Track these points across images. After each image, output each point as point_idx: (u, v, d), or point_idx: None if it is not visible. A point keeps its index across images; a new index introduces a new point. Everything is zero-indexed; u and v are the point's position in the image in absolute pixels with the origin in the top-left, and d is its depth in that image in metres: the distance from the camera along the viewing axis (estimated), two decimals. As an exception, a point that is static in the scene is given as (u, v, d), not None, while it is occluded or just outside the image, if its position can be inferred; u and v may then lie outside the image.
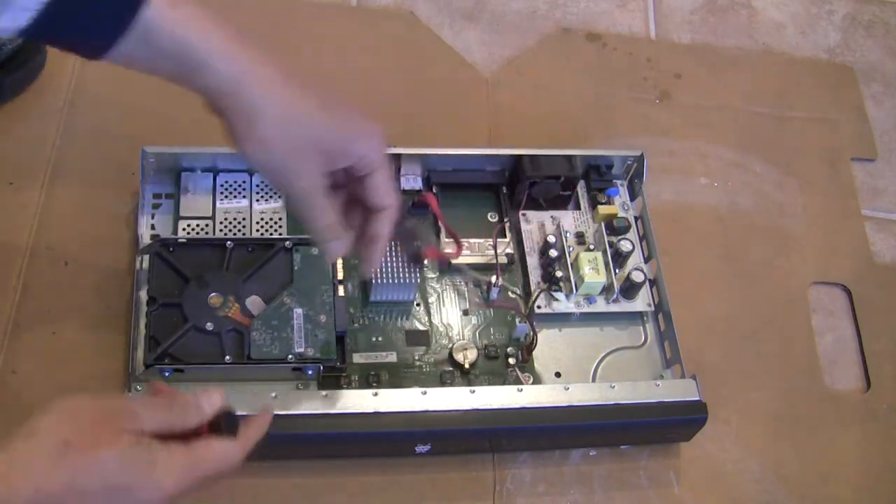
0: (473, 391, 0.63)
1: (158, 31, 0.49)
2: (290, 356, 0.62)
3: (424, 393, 0.62)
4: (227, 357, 0.62)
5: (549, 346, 0.70)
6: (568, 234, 0.73)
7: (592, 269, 0.69)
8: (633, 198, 0.76)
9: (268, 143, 0.52)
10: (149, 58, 0.49)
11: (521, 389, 0.64)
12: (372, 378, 0.66)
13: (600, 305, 0.71)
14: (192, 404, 0.48)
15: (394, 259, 0.68)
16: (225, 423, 0.48)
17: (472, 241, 0.73)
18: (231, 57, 0.53)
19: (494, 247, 0.71)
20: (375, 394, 0.62)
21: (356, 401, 0.61)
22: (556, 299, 0.71)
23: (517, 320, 0.69)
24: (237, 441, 0.49)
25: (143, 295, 0.64)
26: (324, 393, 0.61)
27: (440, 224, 0.71)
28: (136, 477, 0.45)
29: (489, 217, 0.75)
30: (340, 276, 0.66)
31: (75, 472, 0.43)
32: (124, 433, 0.45)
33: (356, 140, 0.55)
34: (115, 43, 0.48)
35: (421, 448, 0.64)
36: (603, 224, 0.74)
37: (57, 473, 0.43)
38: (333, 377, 0.65)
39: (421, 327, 0.69)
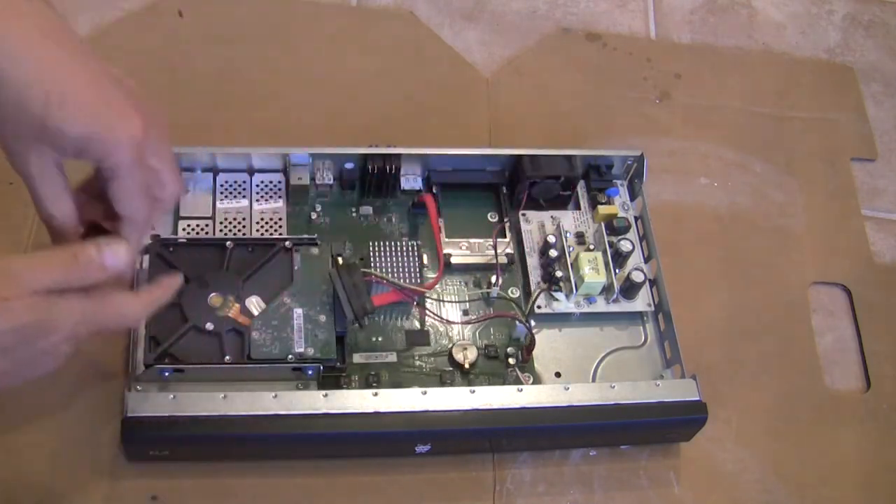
0: (473, 391, 0.63)
1: None
2: (290, 356, 0.62)
3: (424, 393, 0.62)
4: (227, 357, 0.62)
5: (549, 346, 0.70)
6: (568, 234, 0.73)
7: (592, 269, 0.69)
8: (633, 198, 0.76)
9: None
10: None
11: (521, 389, 0.64)
12: (372, 378, 0.66)
13: (600, 305, 0.71)
14: (94, 261, 0.47)
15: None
16: None
17: (472, 241, 0.73)
18: None
19: (494, 247, 0.71)
20: (375, 394, 0.62)
21: (356, 401, 0.61)
22: (556, 299, 0.71)
23: (517, 321, 0.69)
24: (139, 296, 0.48)
25: (143, 295, 0.64)
26: (324, 393, 0.61)
27: (434, 228, 0.70)
28: (34, 330, 0.44)
29: (489, 217, 0.75)
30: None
31: None
32: (18, 296, 0.44)
33: (91, 141, 0.47)
34: None
35: (421, 448, 0.64)
36: (603, 224, 0.74)
37: None
38: (333, 377, 0.65)
39: (421, 327, 0.69)
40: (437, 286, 0.70)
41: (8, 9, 0.45)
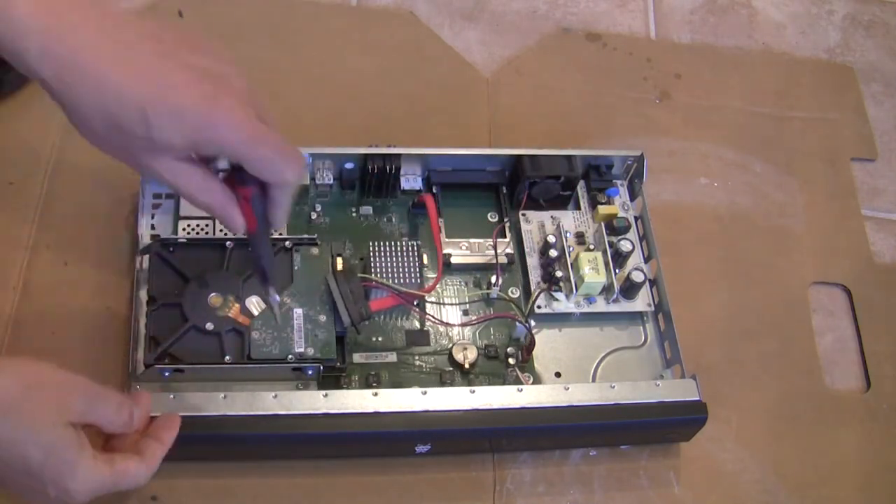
0: (473, 391, 0.63)
1: None
2: (289, 356, 0.62)
3: (424, 393, 0.62)
4: (227, 357, 0.62)
5: (549, 346, 0.70)
6: (568, 234, 0.73)
7: (592, 269, 0.69)
8: (633, 198, 0.76)
9: (100, 141, 0.47)
10: None
11: (521, 389, 0.64)
12: (372, 378, 0.66)
13: (600, 305, 0.71)
14: (126, 416, 0.49)
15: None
16: None
17: (472, 241, 0.73)
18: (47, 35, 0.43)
19: (494, 247, 0.71)
20: (375, 394, 0.62)
21: (356, 401, 0.61)
22: (556, 299, 0.71)
23: (517, 321, 0.69)
24: (146, 461, 0.50)
25: (143, 295, 0.64)
26: (324, 393, 0.61)
27: (433, 228, 0.70)
28: (54, 474, 0.45)
29: (489, 217, 0.75)
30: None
31: (5, 436, 0.43)
32: (68, 421, 0.45)
33: (201, 143, 0.46)
34: None
35: (421, 448, 0.64)
36: (603, 224, 0.74)
37: None
38: (333, 377, 0.65)
39: (421, 327, 0.69)
40: (437, 287, 0.70)
41: (74, 13, 0.44)
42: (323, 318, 0.64)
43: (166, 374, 0.61)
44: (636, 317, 0.72)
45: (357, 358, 0.67)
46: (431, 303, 0.70)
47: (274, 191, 0.51)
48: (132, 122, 0.44)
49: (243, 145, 0.47)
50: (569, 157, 0.73)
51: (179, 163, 0.48)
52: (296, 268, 0.66)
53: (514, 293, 0.71)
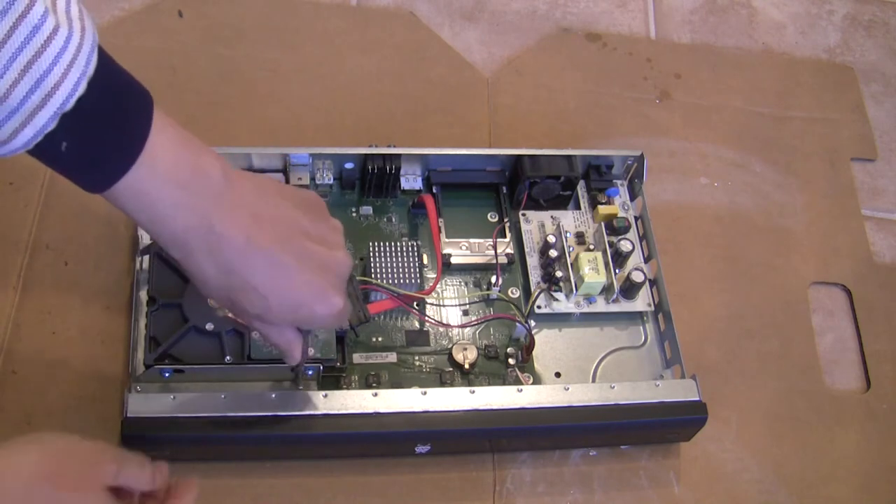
0: (473, 391, 0.63)
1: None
2: (290, 356, 0.62)
3: (424, 393, 0.62)
4: (228, 357, 0.61)
5: (549, 346, 0.70)
6: (568, 234, 0.73)
7: (592, 269, 0.69)
8: (633, 198, 0.76)
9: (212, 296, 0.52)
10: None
11: (521, 389, 0.64)
12: (372, 378, 0.66)
13: (600, 305, 0.71)
14: (150, 472, 0.50)
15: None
16: None
17: (472, 241, 0.73)
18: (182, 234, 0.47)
19: (494, 247, 0.71)
20: (375, 394, 0.62)
21: (356, 401, 0.61)
22: (556, 299, 0.71)
23: (516, 321, 0.69)
24: None
25: (143, 295, 0.64)
26: (324, 393, 0.61)
27: (433, 229, 0.70)
28: None
29: (489, 217, 0.75)
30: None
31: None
32: (105, 484, 0.47)
33: (300, 322, 0.54)
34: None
35: (421, 448, 0.64)
36: (603, 224, 0.74)
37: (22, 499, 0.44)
38: (333, 377, 0.65)
39: (421, 327, 0.69)
40: (436, 288, 0.70)
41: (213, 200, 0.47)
42: (323, 318, 0.64)
43: (166, 374, 0.61)
44: (636, 317, 0.72)
45: (357, 358, 0.67)
46: (431, 303, 0.70)
47: None
48: (252, 305, 0.50)
49: (328, 325, 0.59)
50: (569, 157, 0.73)
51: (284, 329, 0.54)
52: (296, 268, 0.66)
53: (514, 293, 0.71)
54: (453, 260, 0.71)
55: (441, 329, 0.69)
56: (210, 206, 0.47)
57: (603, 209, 0.74)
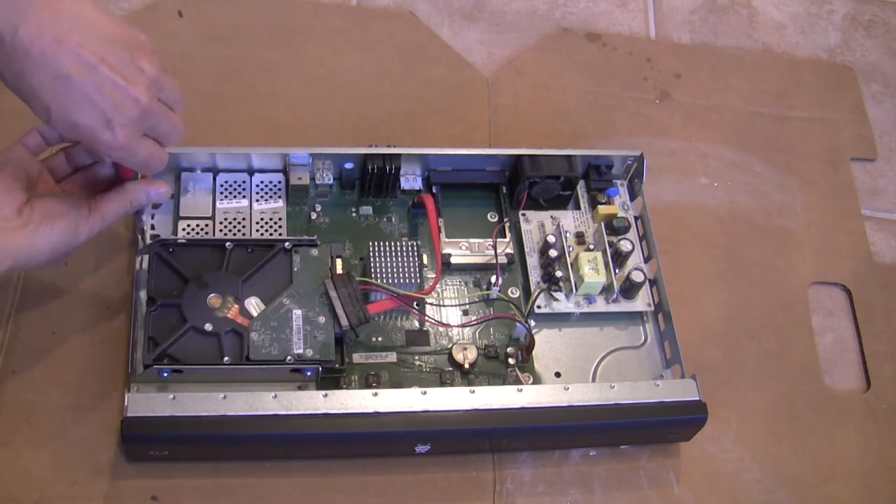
0: (473, 391, 0.63)
1: None
2: (288, 357, 0.62)
3: (424, 393, 0.62)
4: (226, 358, 0.61)
5: (549, 346, 0.70)
6: (568, 234, 0.73)
7: (592, 269, 0.69)
8: (632, 198, 0.76)
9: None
10: None
11: (521, 389, 0.64)
12: (372, 378, 0.66)
13: (600, 305, 0.71)
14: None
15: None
16: None
17: (471, 241, 0.73)
18: None
19: (494, 247, 0.71)
20: (375, 394, 0.62)
21: (356, 401, 0.61)
22: (556, 299, 0.71)
23: (516, 321, 0.69)
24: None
25: (143, 295, 0.64)
26: (323, 393, 0.61)
27: (433, 229, 0.70)
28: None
29: (489, 217, 0.75)
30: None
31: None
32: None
33: (93, 146, 0.57)
34: None
35: (421, 448, 0.64)
36: (603, 224, 0.74)
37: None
38: (333, 378, 0.65)
39: (421, 327, 0.69)
40: (436, 288, 0.70)
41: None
42: (322, 319, 0.64)
43: (165, 374, 0.61)
44: (636, 317, 0.72)
45: (357, 358, 0.67)
46: (431, 303, 0.70)
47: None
48: (38, 112, 0.54)
49: (114, 157, 0.59)
50: (569, 157, 0.73)
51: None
52: (295, 269, 0.66)
53: (514, 293, 0.71)
54: (453, 260, 0.71)
55: (441, 329, 0.69)
56: (17, 12, 0.50)
57: (603, 209, 0.74)
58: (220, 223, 0.70)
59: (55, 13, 0.51)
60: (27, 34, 0.50)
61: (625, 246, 0.72)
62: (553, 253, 0.71)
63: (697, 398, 0.66)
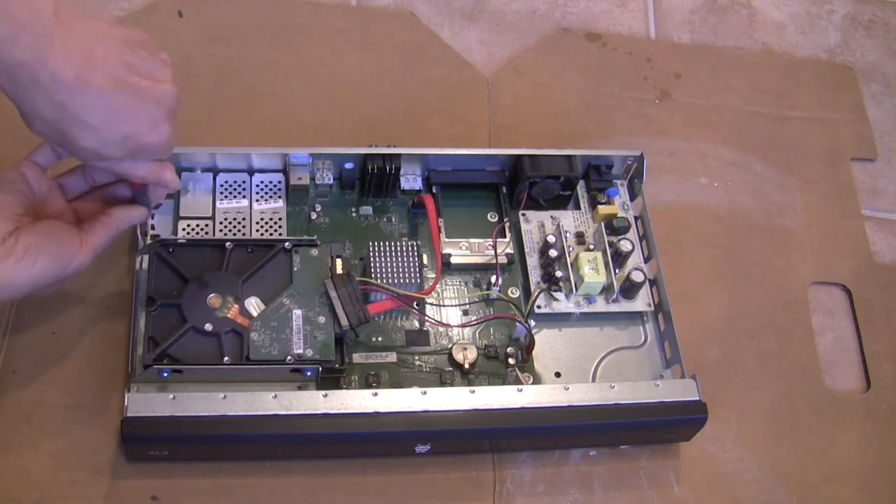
0: (473, 391, 0.63)
1: None
2: (288, 357, 0.62)
3: (424, 393, 0.62)
4: (226, 358, 0.61)
5: (549, 346, 0.70)
6: (568, 234, 0.73)
7: (592, 269, 0.69)
8: (632, 198, 0.76)
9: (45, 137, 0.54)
10: None
11: (521, 389, 0.64)
12: (372, 378, 0.66)
13: (600, 305, 0.71)
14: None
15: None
16: None
17: (471, 241, 0.73)
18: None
19: (494, 247, 0.71)
20: (375, 394, 0.62)
21: (356, 401, 0.61)
22: (556, 299, 0.71)
23: (516, 321, 0.69)
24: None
25: (143, 295, 0.64)
26: (323, 393, 0.61)
27: (433, 229, 0.70)
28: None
29: (489, 217, 0.75)
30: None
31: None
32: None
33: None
34: None
35: (421, 448, 0.64)
36: (603, 224, 0.74)
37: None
38: (333, 378, 0.65)
39: (421, 327, 0.69)
40: (436, 288, 0.70)
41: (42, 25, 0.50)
42: (322, 319, 0.64)
43: (165, 374, 0.61)
44: (636, 317, 0.72)
45: (357, 358, 0.67)
46: (431, 303, 0.70)
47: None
48: (85, 138, 0.53)
49: (160, 156, 0.59)
50: (569, 157, 0.73)
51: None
52: (295, 269, 0.66)
53: (514, 293, 0.71)
54: (453, 260, 0.71)
55: (441, 329, 0.69)
56: (43, 44, 0.49)
57: (603, 209, 0.74)
58: (220, 223, 0.70)
59: (75, 35, 0.51)
60: (58, 62, 0.50)
61: (625, 246, 0.72)
62: (553, 253, 0.71)
63: (697, 398, 0.66)
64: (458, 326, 0.69)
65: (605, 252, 0.71)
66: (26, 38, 0.48)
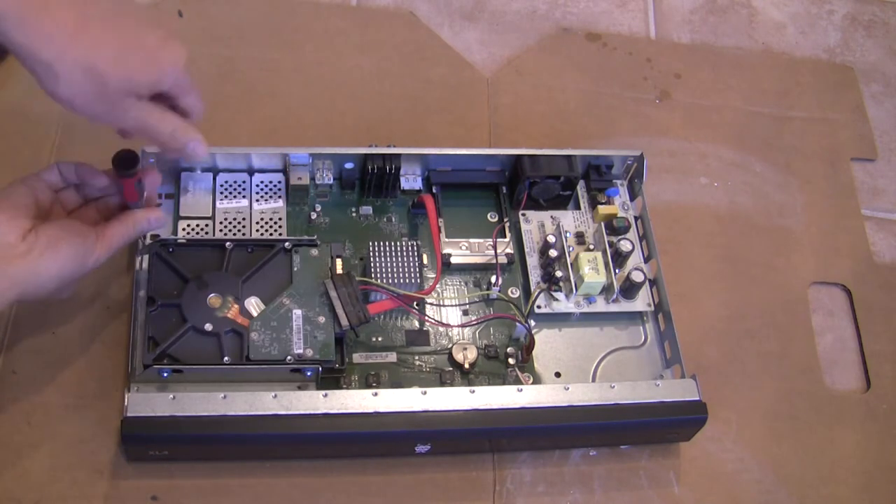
0: (473, 391, 0.63)
1: None
2: (288, 357, 0.62)
3: (424, 393, 0.62)
4: (226, 358, 0.62)
5: (549, 346, 0.70)
6: (568, 234, 0.73)
7: (592, 269, 0.69)
8: (632, 198, 0.76)
9: (75, 103, 0.54)
10: None
11: (521, 389, 0.64)
12: (372, 378, 0.66)
13: (600, 305, 0.71)
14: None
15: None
16: None
17: (471, 241, 0.73)
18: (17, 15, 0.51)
19: (494, 247, 0.71)
20: (375, 394, 0.62)
21: (356, 401, 0.61)
22: (556, 299, 0.71)
23: (516, 321, 0.69)
24: None
25: (143, 295, 0.64)
26: (323, 393, 0.61)
27: (433, 229, 0.70)
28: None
29: (489, 217, 0.75)
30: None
31: None
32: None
33: (160, 78, 0.58)
34: None
35: (421, 448, 0.64)
36: (603, 224, 0.74)
37: None
38: (333, 378, 0.65)
39: (421, 327, 0.69)
40: (436, 288, 0.70)
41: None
42: (322, 319, 0.64)
43: (165, 374, 0.61)
44: (636, 317, 0.72)
45: (357, 358, 0.67)
46: (431, 303, 0.70)
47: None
48: (112, 71, 0.54)
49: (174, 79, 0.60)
50: (569, 157, 0.73)
51: (141, 101, 0.58)
52: (295, 269, 0.66)
53: (514, 293, 0.71)
54: (453, 260, 0.71)
55: (441, 329, 0.69)
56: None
57: (603, 209, 0.74)
58: (220, 223, 0.70)
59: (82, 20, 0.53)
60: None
61: (625, 246, 0.72)
62: (553, 253, 0.71)
63: (697, 398, 0.66)
64: (458, 326, 0.69)
65: (605, 252, 0.71)
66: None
